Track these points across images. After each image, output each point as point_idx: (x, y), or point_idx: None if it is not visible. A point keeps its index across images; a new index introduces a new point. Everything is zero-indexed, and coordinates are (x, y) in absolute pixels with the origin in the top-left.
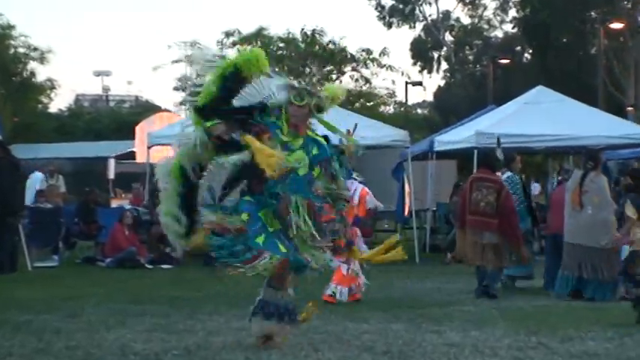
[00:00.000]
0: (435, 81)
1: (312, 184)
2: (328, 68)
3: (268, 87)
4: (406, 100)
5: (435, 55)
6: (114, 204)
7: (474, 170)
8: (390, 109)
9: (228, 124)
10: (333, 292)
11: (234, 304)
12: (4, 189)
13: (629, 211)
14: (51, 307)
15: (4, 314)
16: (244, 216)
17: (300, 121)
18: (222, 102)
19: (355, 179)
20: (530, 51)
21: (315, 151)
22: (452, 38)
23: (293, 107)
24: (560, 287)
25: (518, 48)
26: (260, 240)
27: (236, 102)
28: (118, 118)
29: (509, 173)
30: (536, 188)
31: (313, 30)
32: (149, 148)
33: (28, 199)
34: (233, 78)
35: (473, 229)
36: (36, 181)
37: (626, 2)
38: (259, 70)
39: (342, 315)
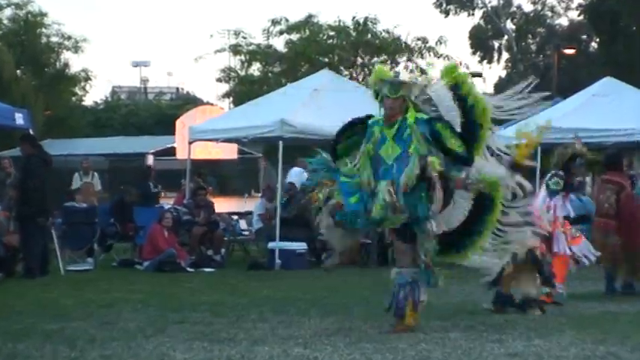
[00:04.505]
0: (495, 72)
1: (405, 162)
2: (381, 58)
3: None
4: None
5: (496, 44)
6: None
7: (537, 169)
8: None
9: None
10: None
11: (280, 311)
12: (34, 187)
13: None
14: (85, 314)
15: (34, 321)
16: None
17: (396, 112)
18: None
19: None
20: (598, 40)
21: (407, 133)
22: (513, 26)
23: (388, 100)
24: None
25: (585, 37)
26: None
27: None
28: (157, 112)
29: None
30: None
31: (365, 18)
32: (190, 143)
33: None
34: None
35: (597, 230)
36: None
37: None
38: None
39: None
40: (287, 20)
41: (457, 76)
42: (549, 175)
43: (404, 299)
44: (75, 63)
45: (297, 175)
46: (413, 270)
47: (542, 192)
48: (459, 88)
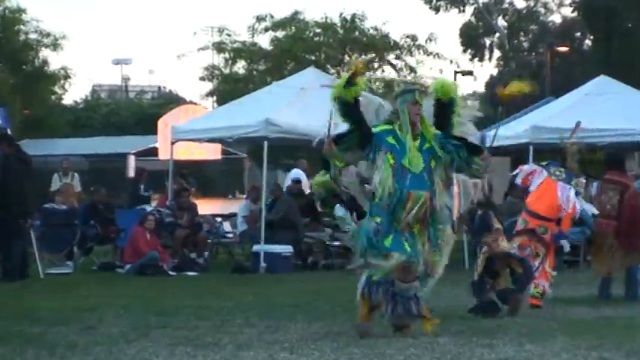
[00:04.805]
0: (486, 70)
1: (430, 174)
2: (369, 56)
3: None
4: None
5: (487, 41)
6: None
7: None
8: None
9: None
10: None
11: (266, 315)
12: (12, 189)
13: None
14: (65, 319)
15: (14, 326)
16: (378, 219)
17: (417, 119)
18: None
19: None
20: (592, 37)
21: (426, 146)
22: (505, 23)
23: (415, 107)
24: None
25: (579, 34)
26: (387, 242)
27: None
28: (138, 111)
29: None
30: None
31: (353, 14)
32: (173, 143)
33: None
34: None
35: (598, 231)
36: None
37: None
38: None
39: (385, 327)
40: (272, 17)
41: (447, 93)
42: (571, 175)
43: (410, 312)
44: (54, 61)
45: (296, 176)
46: (419, 283)
47: (568, 190)
48: (451, 105)
